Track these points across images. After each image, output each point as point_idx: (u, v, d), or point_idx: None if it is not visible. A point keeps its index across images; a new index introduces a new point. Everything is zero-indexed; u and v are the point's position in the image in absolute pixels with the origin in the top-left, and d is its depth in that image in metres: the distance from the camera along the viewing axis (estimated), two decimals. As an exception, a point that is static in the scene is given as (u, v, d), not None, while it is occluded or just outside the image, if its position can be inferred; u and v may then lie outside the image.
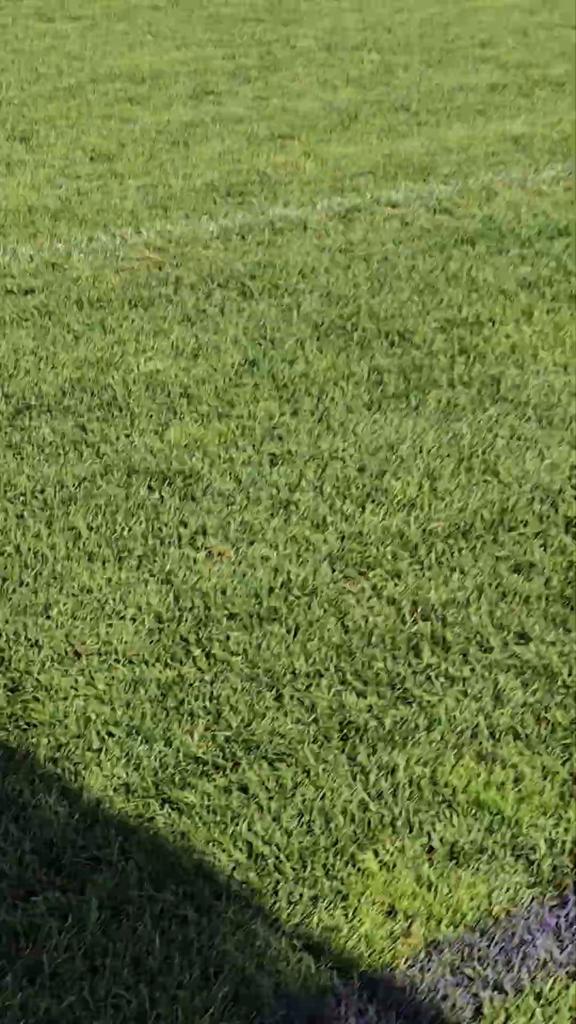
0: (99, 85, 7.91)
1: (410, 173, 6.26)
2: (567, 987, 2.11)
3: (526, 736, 2.64)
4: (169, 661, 2.86)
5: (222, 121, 7.12)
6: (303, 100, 7.59)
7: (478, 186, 6.09)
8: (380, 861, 2.33)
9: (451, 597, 3.11)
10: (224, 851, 2.35)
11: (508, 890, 2.28)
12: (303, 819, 2.42)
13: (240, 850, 2.35)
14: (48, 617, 3.02)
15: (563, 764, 2.56)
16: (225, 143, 6.72)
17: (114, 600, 3.09)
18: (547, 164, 6.41)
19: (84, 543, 3.31)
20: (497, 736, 2.64)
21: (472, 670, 2.84)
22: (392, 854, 2.35)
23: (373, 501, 3.51)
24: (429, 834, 2.39)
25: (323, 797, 2.47)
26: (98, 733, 2.64)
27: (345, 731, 2.66)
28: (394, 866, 2.32)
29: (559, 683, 2.79)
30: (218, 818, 2.43)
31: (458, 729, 2.66)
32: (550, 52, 8.92)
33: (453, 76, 8.19)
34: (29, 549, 3.28)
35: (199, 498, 3.53)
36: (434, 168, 6.33)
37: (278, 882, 2.29)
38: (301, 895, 2.26)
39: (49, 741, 2.63)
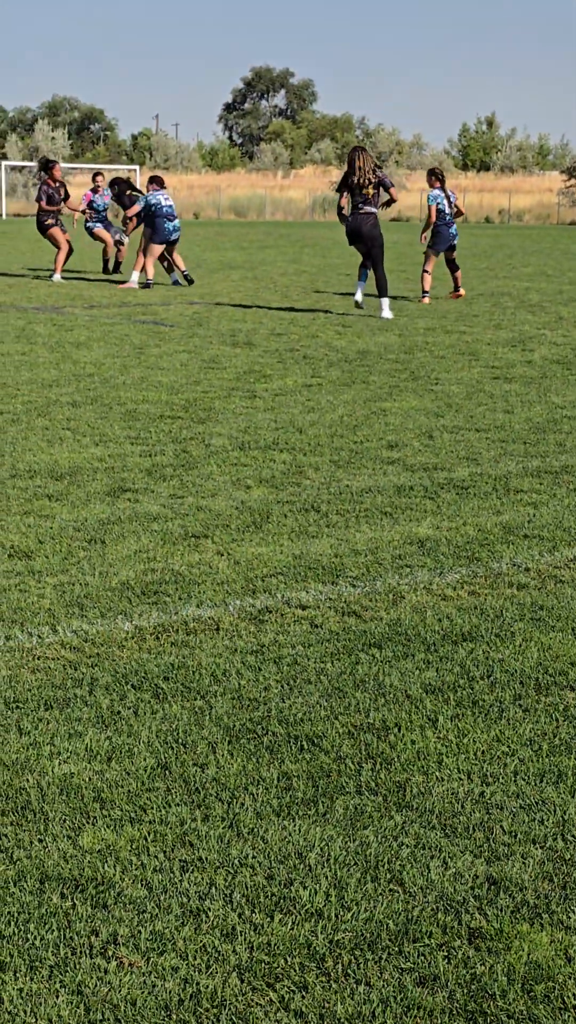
0: (19, 481, 8.21)
1: (319, 574, 6.51)
2: None
3: None
4: None
5: (138, 519, 7.40)
6: (217, 499, 7.91)
7: (385, 588, 6.35)
8: None
9: (357, 1010, 3.16)
10: None
11: None
12: None
13: None
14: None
15: None
16: (141, 541, 6.97)
17: (24, 1013, 3.11)
18: (452, 567, 6.70)
19: (-5, 955, 3.32)
20: None
21: None
22: None
23: (281, 910, 3.57)
24: None
25: None
26: None
27: None
28: None
29: None
30: None
31: None
32: (455, 455, 9.39)
33: (361, 478, 8.59)
34: None
35: (111, 906, 3.58)
36: (343, 570, 6.59)
37: None
38: None
39: None
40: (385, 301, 19.02)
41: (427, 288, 21.39)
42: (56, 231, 23.82)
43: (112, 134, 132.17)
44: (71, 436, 9.72)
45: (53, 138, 78.88)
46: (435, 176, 21.44)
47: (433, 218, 21.07)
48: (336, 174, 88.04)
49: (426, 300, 21.32)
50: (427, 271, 21.37)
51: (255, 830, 4.01)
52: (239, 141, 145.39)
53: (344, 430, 10.24)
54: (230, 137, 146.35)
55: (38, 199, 23.70)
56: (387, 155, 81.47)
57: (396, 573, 6.59)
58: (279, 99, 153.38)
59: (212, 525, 7.33)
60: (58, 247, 24.03)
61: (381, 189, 18.86)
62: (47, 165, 23.96)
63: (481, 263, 32.58)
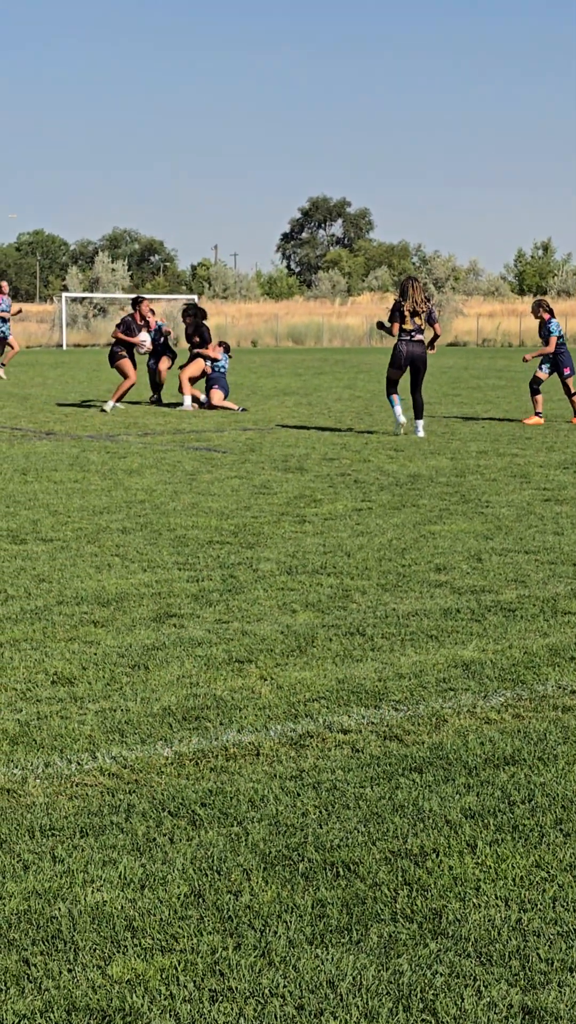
0: (65, 607, 8.25)
1: (362, 698, 6.48)
2: None
3: None
4: None
5: (182, 644, 7.40)
6: (262, 623, 7.91)
7: (428, 712, 6.30)
8: None
9: None
10: None
11: None
12: None
13: None
14: None
15: None
16: (184, 667, 6.97)
17: None
18: (496, 690, 6.65)
19: None
20: None
21: None
22: None
23: (312, 1042, 3.51)
24: None
25: None
26: None
27: None
28: None
29: None
30: None
31: None
32: (503, 577, 9.36)
33: (408, 601, 8.56)
34: None
35: (137, 1038, 3.53)
36: (386, 694, 6.56)
37: None
38: None
39: None
40: (421, 422, 19.74)
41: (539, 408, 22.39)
42: (126, 362, 24.42)
43: (172, 265, 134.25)
44: (119, 562, 9.77)
45: (113, 269, 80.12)
46: (542, 307, 22.36)
47: (552, 347, 21.97)
48: (392, 300, 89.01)
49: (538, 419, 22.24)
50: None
51: (287, 958, 3.96)
52: (297, 270, 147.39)
53: (392, 553, 10.23)
54: (288, 266, 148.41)
55: (117, 327, 24.74)
56: (443, 281, 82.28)
57: (440, 696, 6.55)
58: (336, 228, 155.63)
59: (256, 650, 7.32)
60: (125, 376, 24.41)
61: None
62: (136, 301, 25.31)
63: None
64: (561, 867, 4.61)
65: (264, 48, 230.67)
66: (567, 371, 22.27)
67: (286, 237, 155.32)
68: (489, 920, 4.21)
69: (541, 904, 4.33)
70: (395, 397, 20.01)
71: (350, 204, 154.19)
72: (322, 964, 3.92)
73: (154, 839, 4.82)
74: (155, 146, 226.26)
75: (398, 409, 19.86)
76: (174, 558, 9.95)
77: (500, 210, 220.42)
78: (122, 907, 4.28)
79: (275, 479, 14.77)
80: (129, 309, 33.65)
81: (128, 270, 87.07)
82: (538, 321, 22.44)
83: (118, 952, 4.00)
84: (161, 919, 4.20)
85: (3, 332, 32.72)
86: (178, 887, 4.42)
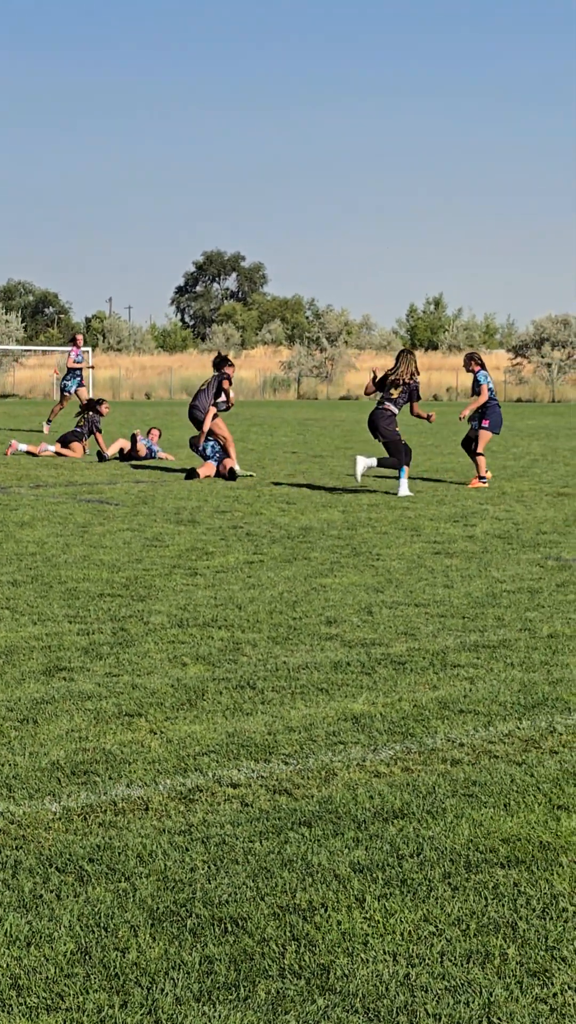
0: (-45, 661, 8.15)
1: (252, 752, 6.46)
2: None
3: None
4: None
5: (72, 698, 7.35)
6: (152, 677, 7.88)
7: (318, 765, 6.30)
8: None
9: None
10: None
11: None
12: None
13: None
14: None
15: None
16: (74, 720, 6.91)
17: None
18: (385, 743, 6.67)
19: None
20: None
21: None
22: None
23: None
24: None
25: None
26: None
27: None
28: None
29: None
30: None
31: None
32: (393, 630, 9.40)
33: (298, 654, 8.57)
34: None
35: None
36: (276, 747, 6.55)
37: None
38: None
39: None
40: (399, 481, 19.61)
41: (483, 472, 20.99)
42: (76, 446, 26.22)
43: (66, 317, 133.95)
44: (9, 615, 9.68)
45: (7, 321, 79.77)
46: (474, 360, 21.44)
47: (484, 397, 21.00)
48: (286, 354, 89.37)
49: (482, 483, 20.85)
50: (481, 453, 21.12)
51: (174, 1016, 3.92)
52: (191, 323, 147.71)
53: (283, 606, 10.25)
54: (182, 319, 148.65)
55: (90, 432, 26.26)
56: (336, 335, 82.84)
57: (329, 750, 6.55)
58: (230, 282, 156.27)
59: (146, 703, 7.28)
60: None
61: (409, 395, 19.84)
62: (94, 404, 26.54)
63: (427, 440, 33.00)
64: (449, 921, 4.62)
65: (157, 101, 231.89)
66: (486, 423, 21.13)
67: (180, 290, 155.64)
68: (377, 975, 4.20)
69: (429, 959, 4.33)
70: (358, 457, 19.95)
71: (244, 258, 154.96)
72: (210, 1021, 3.89)
73: (41, 895, 4.76)
74: (50, 197, 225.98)
75: (363, 464, 19.67)
76: (64, 611, 9.88)
77: (392, 266, 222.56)
78: (7, 965, 4.22)
79: (167, 531, 14.75)
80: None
81: (22, 321, 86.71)
82: (470, 376, 21.50)
83: (3, 1011, 3.94)
84: (47, 977, 4.15)
85: (65, 385, 31.98)
86: (64, 944, 4.37)
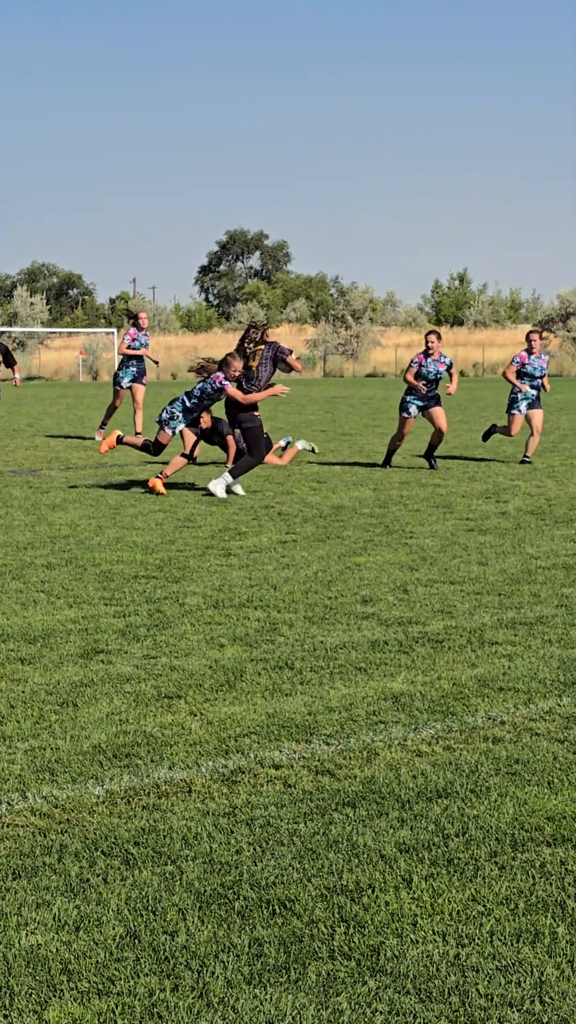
0: (-8, 645, 8.16)
1: (293, 733, 6.46)
2: None
3: None
4: None
5: (111, 680, 7.35)
6: (190, 658, 7.87)
7: (359, 745, 6.29)
8: None
9: None
10: None
11: None
12: None
13: None
14: None
15: None
16: (113, 703, 6.92)
17: None
18: (426, 723, 6.65)
19: None
20: None
21: None
22: None
23: None
24: None
25: None
26: None
27: None
28: None
29: None
30: None
31: None
32: (429, 608, 9.37)
33: (335, 633, 8.56)
34: None
35: None
36: (316, 728, 6.54)
37: None
38: None
39: None
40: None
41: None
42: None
43: (90, 298, 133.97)
44: (45, 599, 9.69)
45: (32, 303, 79.79)
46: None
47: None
48: (311, 332, 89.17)
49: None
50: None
51: (225, 999, 3.92)
52: (215, 302, 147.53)
53: (318, 586, 10.23)
54: (207, 299, 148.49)
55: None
56: (361, 313, 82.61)
57: (370, 730, 6.54)
58: (254, 260, 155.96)
59: (185, 685, 7.28)
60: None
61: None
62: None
63: (456, 416, 32.89)
64: (497, 900, 4.61)
65: (181, 80, 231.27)
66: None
67: (204, 270, 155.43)
68: (427, 956, 4.19)
69: (479, 938, 4.32)
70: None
71: (267, 236, 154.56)
72: (261, 1004, 3.89)
73: (88, 879, 4.76)
74: (73, 179, 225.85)
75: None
76: (100, 593, 9.89)
77: (417, 241, 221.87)
78: (57, 950, 4.22)
79: (199, 512, 14.74)
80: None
81: (47, 304, 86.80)
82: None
83: (54, 996, 3.95)
84: (97, 961, 4.15)
85: (118, 377, 24.08)
86: (113, 928, 4.38)
